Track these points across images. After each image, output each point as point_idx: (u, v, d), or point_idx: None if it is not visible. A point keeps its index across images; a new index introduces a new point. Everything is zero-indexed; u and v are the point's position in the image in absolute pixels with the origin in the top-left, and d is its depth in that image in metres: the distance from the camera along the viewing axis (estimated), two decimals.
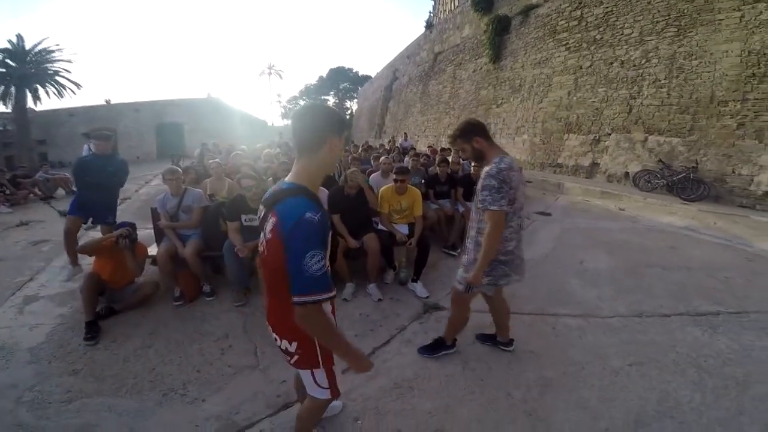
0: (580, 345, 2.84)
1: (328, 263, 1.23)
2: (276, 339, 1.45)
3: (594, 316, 3.28)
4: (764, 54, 7.21)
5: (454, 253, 4.78)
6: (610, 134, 10.18)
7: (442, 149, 8.67)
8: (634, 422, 2.06)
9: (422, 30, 24.31)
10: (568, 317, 3.26)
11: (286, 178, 1.35)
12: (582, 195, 9.09)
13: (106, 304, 3.37)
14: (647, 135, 9.25)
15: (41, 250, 5.26)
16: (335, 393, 1.55)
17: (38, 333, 3.12)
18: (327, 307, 1.39)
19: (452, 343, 2.74)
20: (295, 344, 1.41)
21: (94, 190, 4.16)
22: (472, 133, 2.26)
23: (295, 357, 1.43)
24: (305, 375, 1.52)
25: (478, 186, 2.22)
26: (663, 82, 8.95)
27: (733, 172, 7.50)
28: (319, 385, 1.51)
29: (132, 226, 3.48)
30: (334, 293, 1.23)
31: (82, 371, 2.61)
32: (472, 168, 5.36)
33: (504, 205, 2.09)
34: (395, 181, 3.97)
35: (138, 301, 3.47)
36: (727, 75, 7.76)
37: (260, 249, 1.38)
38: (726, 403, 2.19)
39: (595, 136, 10.55)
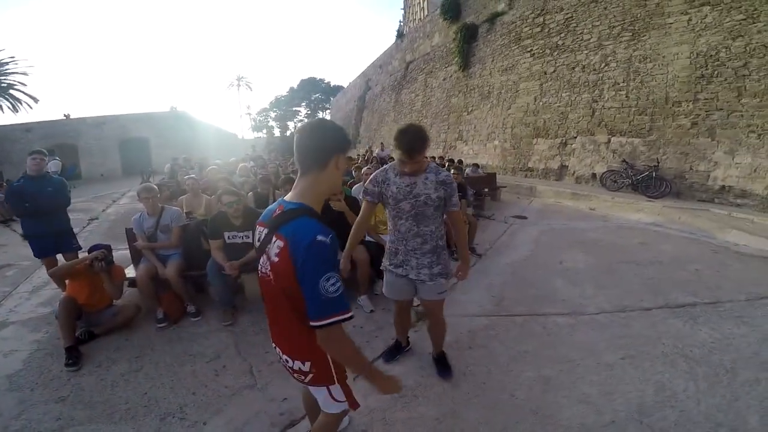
0: (571, 342, 2.93)
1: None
2: (287, 360, 1.41)
3: (581, 313, 3.39)
4: (710, 56, 7.72)
5: None
6: (575, 137, 10.61)
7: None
8: (637, 413, 2.13)
9: (393, 39, 24.62)
10: (557, 316, 3.36)
11: (287, 197, 1.32)
12: (554, 197, 9.42)
13: (86, 329, 3.21)
14: (610, 136, 9.71)
15: (5, 275, 4.93)
16: (354, 405, 1.51)
17: (14, 360, 2.93)
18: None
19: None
20: (308, 364, 1.37)
21: (39, 217, 3.80)
22: (428, 140, 2.11)
23: (310, 376, 1.40)
24: (319, 393, 1.48)
25: (437, 193, 2.15)
26: (621, 85, 9.44)
27: (691, 168, 7.97)
28: (335, 400, 1.48)
29: (107, 248, 3.33)
30: (351, 314, 1.21)
31: (69, 398, 2.46)
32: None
33: None
34: None
35: (119, 324, 3.31)
36: (678, 76, 8.26)
37: (262, 272, 1.34)
38: (720, 390, 2.30)
39: (562, 140, 10.97)
